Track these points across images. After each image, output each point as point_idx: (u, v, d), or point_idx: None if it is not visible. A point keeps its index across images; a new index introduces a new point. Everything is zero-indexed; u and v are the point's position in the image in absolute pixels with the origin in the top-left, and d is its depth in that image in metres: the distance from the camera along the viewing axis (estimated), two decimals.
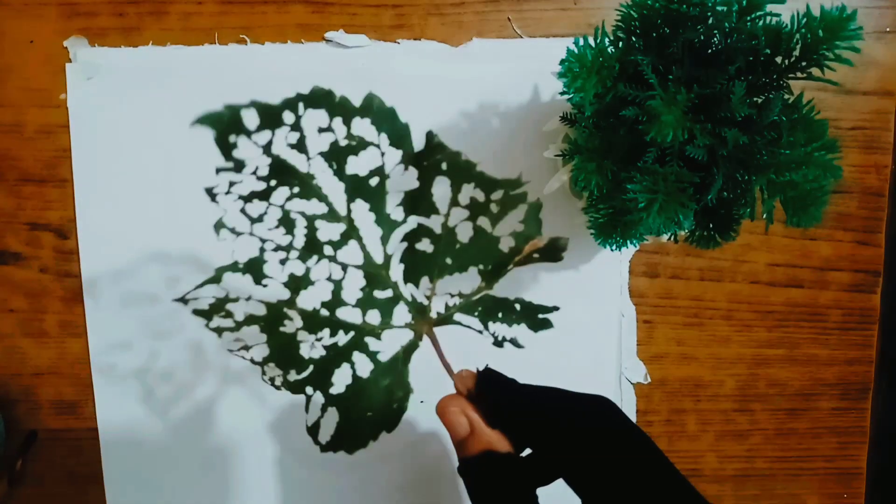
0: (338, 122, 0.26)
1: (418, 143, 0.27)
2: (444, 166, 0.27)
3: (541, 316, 0.29)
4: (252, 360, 0.29)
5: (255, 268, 0.28)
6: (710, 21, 0.31)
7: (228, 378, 0.48)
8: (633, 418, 0.49)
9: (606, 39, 0.33)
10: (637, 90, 0.32)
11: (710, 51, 0.32)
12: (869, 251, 0.48)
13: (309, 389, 0.28)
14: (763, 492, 0.51)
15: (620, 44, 0.33)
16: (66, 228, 0.47)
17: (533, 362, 0.48)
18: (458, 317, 0.29)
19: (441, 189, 0.27)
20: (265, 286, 0.28)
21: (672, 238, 0.37)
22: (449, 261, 0.28)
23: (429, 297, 0.29)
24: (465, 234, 0.28)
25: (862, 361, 0.50)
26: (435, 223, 0.28)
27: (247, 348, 0.29)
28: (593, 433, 0.29)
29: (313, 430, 0.28)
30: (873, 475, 0.51)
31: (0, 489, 0.47)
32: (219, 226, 0.27)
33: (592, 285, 0.48)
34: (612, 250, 0.37)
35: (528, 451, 0.31)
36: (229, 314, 0.28)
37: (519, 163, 0.47)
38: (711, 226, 0.35)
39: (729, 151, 0.31)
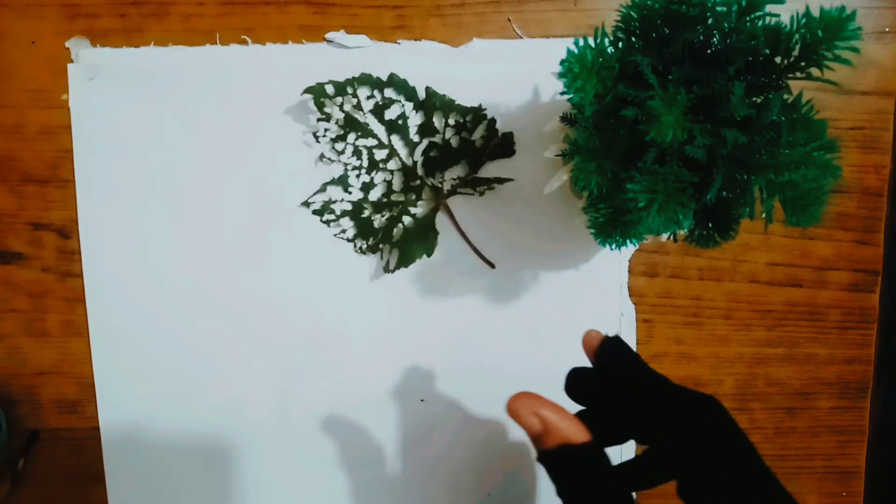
0: (376, 91, 0.46)
1: (421, 95, 0.46)
2: (437, 104, 0.46)
3: (495, 185, 0.47)
4: (347, 239, 0.47)
5: (343, 181, 0.47)
6: (710, 21, 0.32)
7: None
8: None
9: (606, 40, 0.33)
10: (637, 90, 0.32)
11: (709, 51, 0.32)
12: (868, 251, 0.49)
13: (381, 245, 0.47)
14: None
15: (620, 44, 0.33)
16: (67, 228, 0.47)
17: (533, 361, 0.49)
18: (459, 190, 0.47)
19: (437, 119, 0.46)
20: (350, 192, 0.47)
21: (671, 237, 0.37)
22: (449, 159, 0.46)
23: (441, 182, 0.47)
24: (455, 142, 0.46)
25: (861, 360, 0.50)
26: (437, 139, 0.46)
27: (343, 231, 0.47)
28: (696, 435, 0.30)
29: (386, 266, 0.47)
30: (872, 474, 0.51)
31: (2, 489, 0.47)
32: (320, 157, 0.47)
33: (592, 284, 0.48)
34: (611, 250, 0.37)
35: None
36: (332, 211, 0.47)
37: (519, 162, 0.47)
38: (711, 225, 0.35)
39: (728, 151, 0.31)
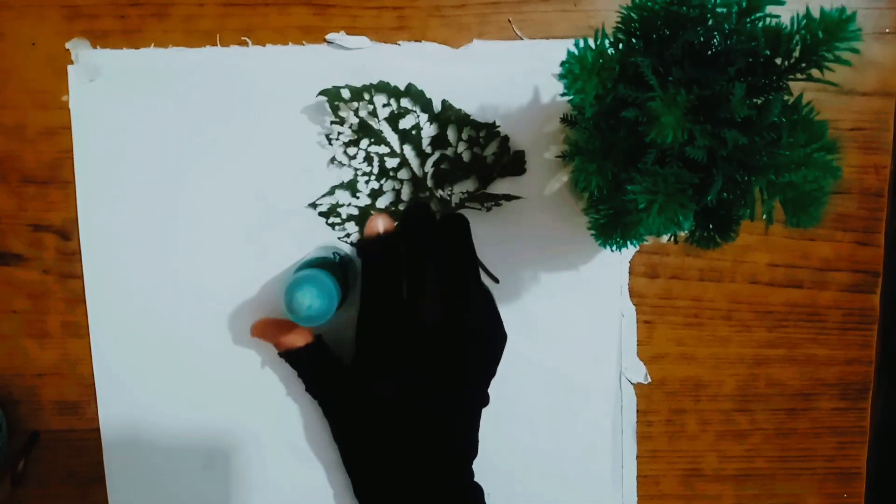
0: (393, 100, 0.46)
1: (437, 107, 0.46)
2: (451, 117, 0.46)
3: (503, 201, 0.47)
4: (351, 244, 0.48)
5: (352, 186, 0.47)
6: (710, 22, 0.32)
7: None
8: (634, 418, 0.49)
9: (607, 41, 0.33)
10: (637, 91, 0.32)
11: (709, 52, 0.32)
12: (868, 251, 0.49)
13: None
14: (763, 491, 0.51)
15: (621, 45, 0.33)
16: (68, 230, 0.47)
17: (533, 362, 0.49)
18: (467, 204, 0.47)
19: (451, 132, 0.46)
20: (357, 198, 0.47)
21: (672, 239, 0.37)
22: (459, 173, 0.47)
23: (450, 195, 0.47)
24: (467, 157, 0.47)
25: (861, 361, 0.50)
26: (449, 152, 0.46)
27: (348, 235, 0.47)
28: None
29: None
30: (873, 475, 0.51)
31: (2, 490, 0.47)
32: (331, 160, 0.47)
33: (592, 285, 0.48)
34: (612, 251, 0.37)
35: None
36: (338, 214, 0.47)
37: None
38: (711, 226, 0.35)
39: (729, 152, 0.31)
